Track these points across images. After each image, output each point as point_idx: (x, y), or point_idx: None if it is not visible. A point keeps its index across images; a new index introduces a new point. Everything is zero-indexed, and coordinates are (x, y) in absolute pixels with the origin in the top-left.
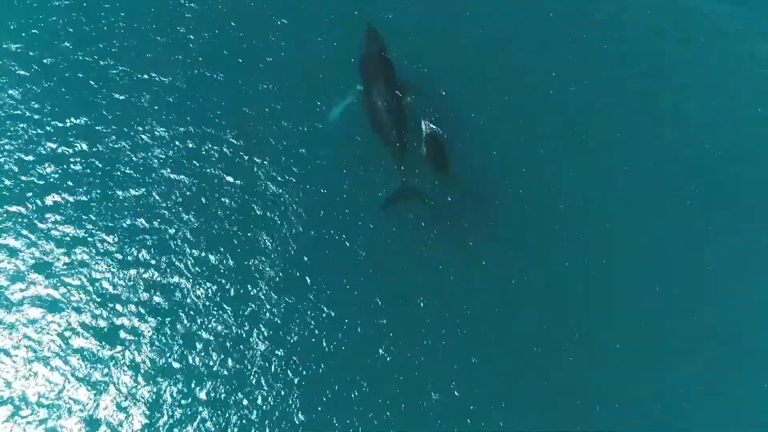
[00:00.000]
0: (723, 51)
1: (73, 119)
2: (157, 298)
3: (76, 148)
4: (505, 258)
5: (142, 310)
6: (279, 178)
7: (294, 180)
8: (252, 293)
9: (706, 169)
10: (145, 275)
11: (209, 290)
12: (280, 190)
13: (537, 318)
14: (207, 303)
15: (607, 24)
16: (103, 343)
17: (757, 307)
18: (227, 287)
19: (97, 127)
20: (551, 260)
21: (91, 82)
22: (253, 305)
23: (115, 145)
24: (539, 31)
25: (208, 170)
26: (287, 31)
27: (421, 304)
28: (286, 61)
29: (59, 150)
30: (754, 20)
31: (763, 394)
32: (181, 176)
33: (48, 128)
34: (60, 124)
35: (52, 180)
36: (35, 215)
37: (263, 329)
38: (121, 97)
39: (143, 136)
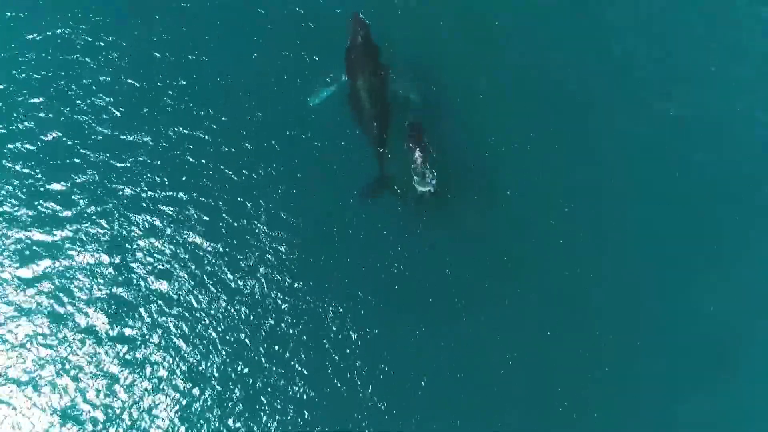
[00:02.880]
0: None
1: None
2: (124, 295)
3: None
4: (495, 250)
5: (116, 310)
6: (260, 170)
7: (274, 172)
8: (233, 286)
9: (712, 171)
10: (121, 277)
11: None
12: (261, 180)
13: (536, 319)
14: (197, 305)
15: (604, 17)
16: (103, 343)
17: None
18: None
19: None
20: (544, 254)
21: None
22: (234, 299)
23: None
24: (535, 18)
25: (187, 158)
26: (274, 19)
27: (406, 303)
28: (273, 47)
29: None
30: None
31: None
32: (159, 167)
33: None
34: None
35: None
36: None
37: (247, 326)
38: (99, 101)
39: (114, 132)
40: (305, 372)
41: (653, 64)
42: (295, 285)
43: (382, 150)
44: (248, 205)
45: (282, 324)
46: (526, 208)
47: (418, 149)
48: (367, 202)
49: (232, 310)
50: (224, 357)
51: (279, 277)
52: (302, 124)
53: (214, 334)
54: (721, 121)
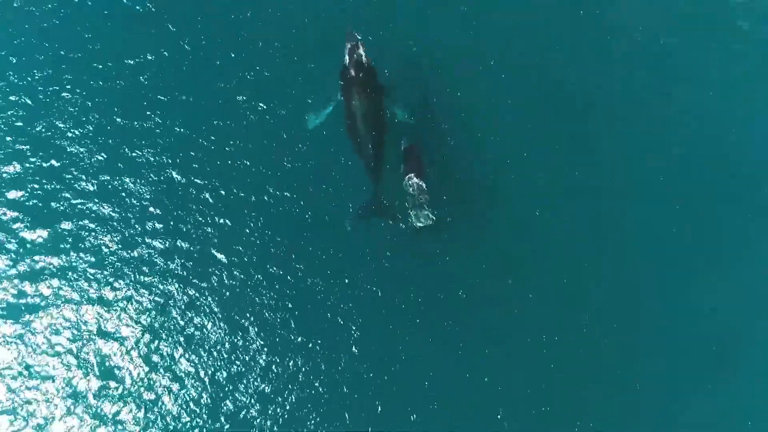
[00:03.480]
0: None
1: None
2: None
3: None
4: (495, 253)
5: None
6: (257, 186)
7: (270, 189)
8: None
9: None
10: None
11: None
12: (257, 198)
13: (536, 320)
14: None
15: (605, 30)
16: (103, 346)
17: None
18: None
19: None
20: (543, 256)
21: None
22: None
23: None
24: (533, 39)
25: (181, 178)
26: (273, 35)
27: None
28: (271, 65)
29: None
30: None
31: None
32: (153, 185)
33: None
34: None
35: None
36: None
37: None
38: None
39: (115, 151)
40: (308, 375)
41: (653, 64)
42: (292, 284)
43: (376, 170)
44: (246, 222)
45: (279, 333)
46: (525, 212)
47: (414, 174)
48: (363, 221)
49: (232, 322)
50: (229, 362)
51: (275, 289)
52: (297, 143)
53: (213, 349)
54: (722, 121)
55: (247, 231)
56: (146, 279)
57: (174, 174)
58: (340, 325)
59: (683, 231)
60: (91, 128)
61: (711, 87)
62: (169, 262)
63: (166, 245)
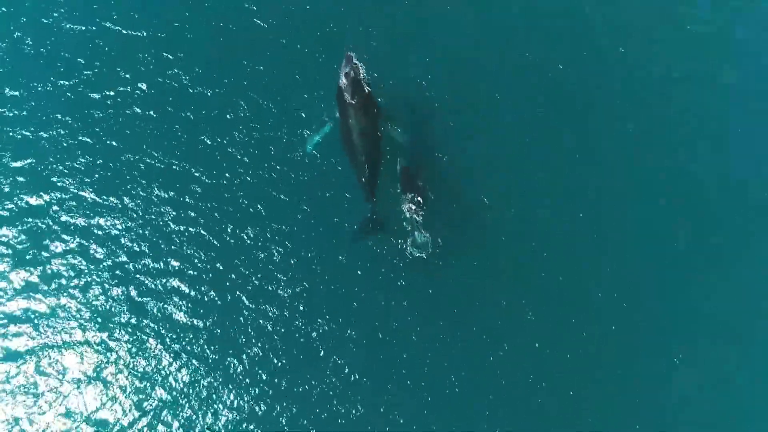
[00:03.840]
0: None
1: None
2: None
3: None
4: (494, 255)
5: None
6: (256, 204)
7: (266, 209)
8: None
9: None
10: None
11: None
12: (255, 216)
13: (535, 320)
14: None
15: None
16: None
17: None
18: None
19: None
20: (543, 257)
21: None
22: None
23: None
24: (526, 58)
25: (180, 198)
26: (271, 55)
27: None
28: (269, 84)
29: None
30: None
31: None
32: (154, 203)
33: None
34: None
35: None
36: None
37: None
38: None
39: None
40: (309, 377)
41: (653, 64)
42: (290, 294)
43: (372, 188)
44: (244, 238)
45: (280, 346)
46: (525, 213)
47: (410, 195)
48: (359, 241)
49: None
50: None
51: (273, 303)
52: (295, 163)
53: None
54: (721, 121)
55: (243, 247)
56: (143, 299)
57: (160, 192)
58: (340, 333)
59: (683, 231)
60: (81, 162)
61: (711, 87)
62: (165, 281)
63: (161, 266)
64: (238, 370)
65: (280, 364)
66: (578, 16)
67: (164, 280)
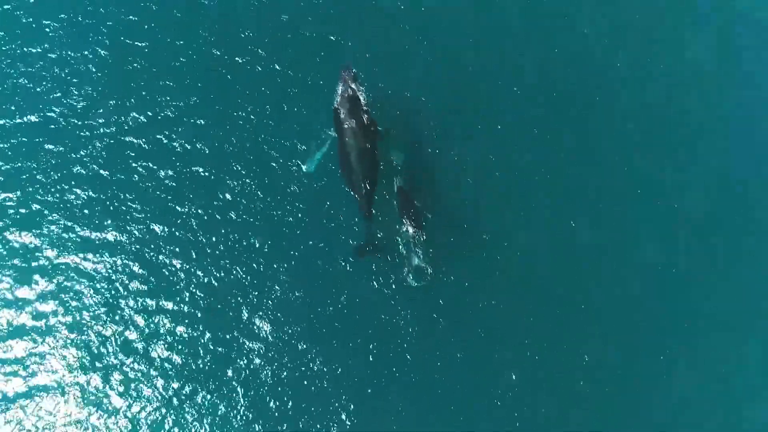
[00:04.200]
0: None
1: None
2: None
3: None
4: (494, 258)
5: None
6: (254, 221)
7: (263, 225)
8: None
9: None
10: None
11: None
12: (254, 233)
13: (535, 320)
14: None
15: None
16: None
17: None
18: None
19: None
20: (543, 257)
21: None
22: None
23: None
24: (525, 75)
25: (180, 216)
26: (271, 69)
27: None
28: (262, 106)
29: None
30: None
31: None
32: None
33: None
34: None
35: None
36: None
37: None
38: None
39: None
40: (310, 378)
41: (653, 64)
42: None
43: (369, 210)
44: (244, 249)
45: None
46: (525, 215)
47: (407, 218)
48: (357, 260)
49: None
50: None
51: (270, 319)
52: (292, 181)
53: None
54: (721, 121)
55: (242, 259)
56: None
57: (158, 216)
58: (341, 338)
59: (683, 231)
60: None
61: (711, 87)
62: (162, 301)
63: (161, 283)
64: (240, 376)
65: (281, 370)
66: (578, 17)
67: (158, 309)
